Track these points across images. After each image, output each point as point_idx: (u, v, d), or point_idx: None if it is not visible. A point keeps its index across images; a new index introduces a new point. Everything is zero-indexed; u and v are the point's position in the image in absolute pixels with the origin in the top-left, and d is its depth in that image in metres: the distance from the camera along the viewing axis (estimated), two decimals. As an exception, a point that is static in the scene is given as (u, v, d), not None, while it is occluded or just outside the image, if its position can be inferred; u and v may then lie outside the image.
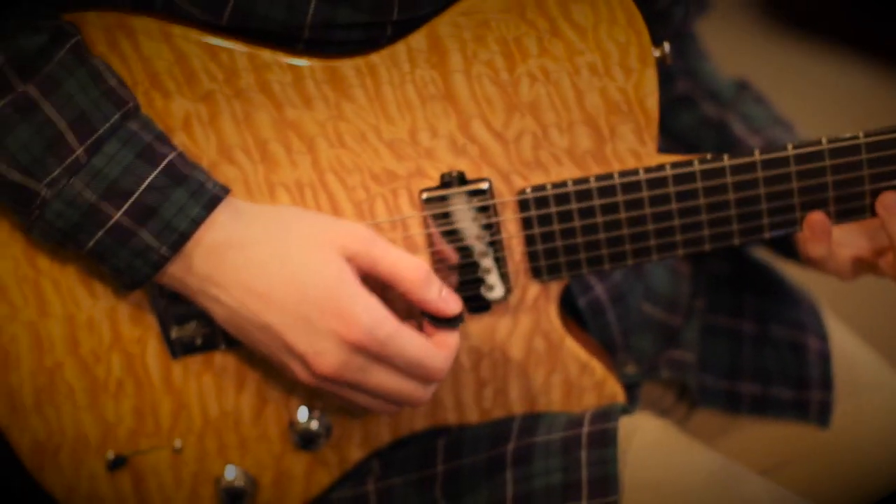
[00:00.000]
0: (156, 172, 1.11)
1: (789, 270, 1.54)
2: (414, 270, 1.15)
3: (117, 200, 1.10)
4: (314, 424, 1.25)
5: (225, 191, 1.13)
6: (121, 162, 1.10)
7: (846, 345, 1.48)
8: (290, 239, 1.14)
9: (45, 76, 1.10)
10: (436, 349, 1.15)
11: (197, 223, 1.11)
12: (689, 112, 1.52)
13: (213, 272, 1.13)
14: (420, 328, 1.18)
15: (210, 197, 1.12)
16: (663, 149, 1.24)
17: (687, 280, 1.48)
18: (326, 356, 1.12)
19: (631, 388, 1.34)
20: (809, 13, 3.81)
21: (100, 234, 1.11)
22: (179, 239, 1.11)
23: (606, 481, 1.19)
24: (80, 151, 1.09)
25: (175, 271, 1.14)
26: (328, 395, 1.20)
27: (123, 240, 1.11)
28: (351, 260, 1.14)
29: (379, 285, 1.17)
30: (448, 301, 1.16)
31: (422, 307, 1.17)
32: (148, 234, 1.11)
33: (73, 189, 1.10)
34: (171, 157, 1.12)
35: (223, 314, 1.15)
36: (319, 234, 1.14)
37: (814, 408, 1.41)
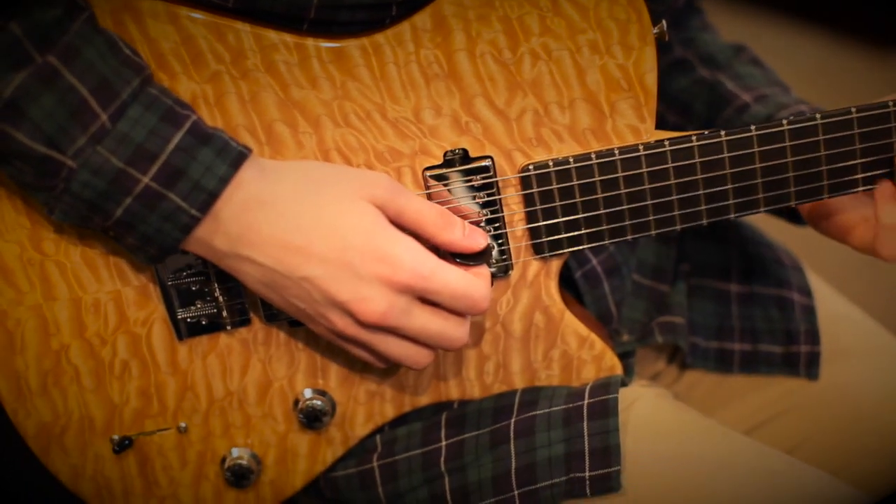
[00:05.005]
0: (181, 133, 1.09)
1: (771, 231, 1.57)
2: (437, 215, 1.16)
3: (144, 164, 1.09)
4: (319, 402, 1.26)
5: (248, 149, 1.12)
6: (145, 125, 1.09)
7: (829, 302, 1.52)
8: (320, 191, 1.13)
9: (64, 46, 1.08)
10: (476, 279, 1.16)
11: (225, 181, 1.10)
12: (684, 75, 1.53)
13: (244, 231, 1.12)
14: None
15: (236, 154, 1.11)
16: (658, 111, 1.25)
17: (672, 245, 1.50)
18: (372, 301, 1.12)
19: (626, 356, 1.36)
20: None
21: (128, 200, 1.09)
22: (209, 198, 1.10)
23: (608, 451, 1.21)
24: (104, 117, 1.08)
25: (203, 234, 1.12)
26: (342, 362, 1.20)
27: (152, 204, 1.10)
28: (380, 208, 1.14)
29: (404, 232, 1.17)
30: (474, 237, 1.18)
31: (450, 248, 1.18)
32: (177, 197, 1.10)
33: (100, 156, 1.08)
34: (194, 117, 1.11)
35: (257, 274, 1.14)
36: (348, 184, 1.14)
37: (803, 361, 1.44)
